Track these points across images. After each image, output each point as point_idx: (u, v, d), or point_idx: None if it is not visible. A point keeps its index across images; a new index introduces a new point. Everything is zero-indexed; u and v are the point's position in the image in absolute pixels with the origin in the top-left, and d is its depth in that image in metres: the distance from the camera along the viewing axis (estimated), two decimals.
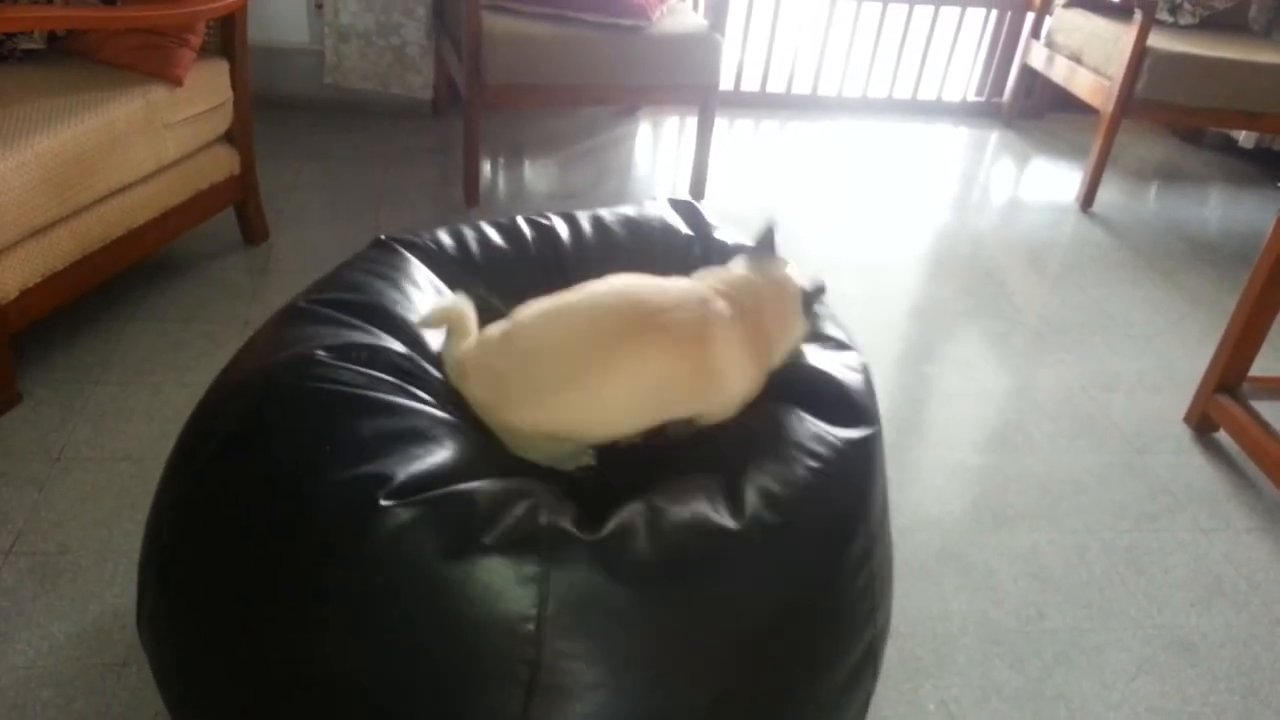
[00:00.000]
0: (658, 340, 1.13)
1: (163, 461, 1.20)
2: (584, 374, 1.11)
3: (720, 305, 1.19)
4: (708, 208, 1.63)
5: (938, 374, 2.30)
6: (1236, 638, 1.66)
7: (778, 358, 1.27)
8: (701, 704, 0.99)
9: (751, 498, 1.07)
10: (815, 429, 1.18)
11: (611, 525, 1.00)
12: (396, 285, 1.31)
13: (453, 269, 1.42)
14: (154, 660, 1.15)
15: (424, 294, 1.34)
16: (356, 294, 1.27)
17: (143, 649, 1.19)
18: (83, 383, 1.92)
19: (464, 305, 1.22)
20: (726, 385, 1.19)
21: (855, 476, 1.16)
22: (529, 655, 0.91)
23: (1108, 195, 3.41)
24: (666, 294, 1.17)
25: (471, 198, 2.82)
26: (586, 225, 1.56)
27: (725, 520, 1.03)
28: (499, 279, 1.44)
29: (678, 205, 1.64)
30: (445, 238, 1.46)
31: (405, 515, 0.95)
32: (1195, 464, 2.09)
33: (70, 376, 1.93)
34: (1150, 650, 1.62)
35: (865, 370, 1.34)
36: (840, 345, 1.37)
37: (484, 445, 1.12)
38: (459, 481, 1.00)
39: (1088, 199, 3.31)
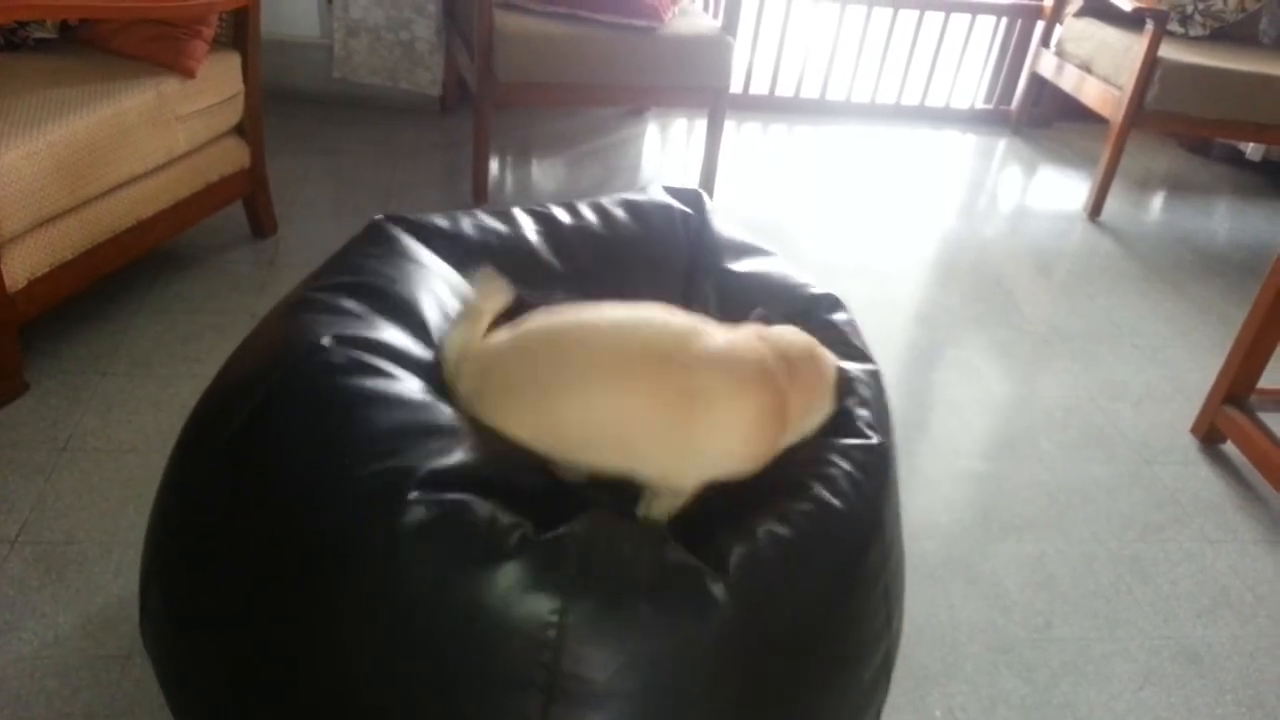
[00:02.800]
0: (660, 374, 1.03)
1: (169, 453, 1.19)
2: (565, 390, 1.04)
3: (755, 360, 1.09)
4: (710, 200, 1.63)
5: (945, 381, 2.30)
6: (1243, 649, 1.66)
7: (790, 438, 1.14)
8: (722, 715, 0.99)
9: (767, 509, 1.06)
10: (829, 438, 1.17)
11: (630, 545, 0.99)
12: (400, 268, 1.29)
13: (452, 250, 1.40)
14: (158, 663, 1.14)
15: (428, 274, 1.31)
16: (361, 277, 1.24)
17: (146, 652, 1.18)
18: (90, 373, 1.91)
19: (498, 298, 1.20)
20: (720, 448, 1.07)
21: (869, 486, 1.15)
22: (548, 660, 0.90)
23: (1115, 205, 3.41)
24: (696, 332, 1.08)
25: (480, 194, 2.82)
26: (587, 212, 1.54)
27: (742, 530, 1.03)
28: (497, 261, 1.42)
29: (679, 194, 1.63)
30: (442, 221, 1.44)
31: (431, 512, 0.94)
32: (1202, 475, 2.09)
33: (77, 367, 1.93)
34: (1157, 661, 1.61)
35: (878, 380, 1.33)
36: (857, 355, 1.36)
37: (498, 442, 1.11)
38: (480, 480, 0.99)
39: (1096, 208, 3.30)
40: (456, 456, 1.01)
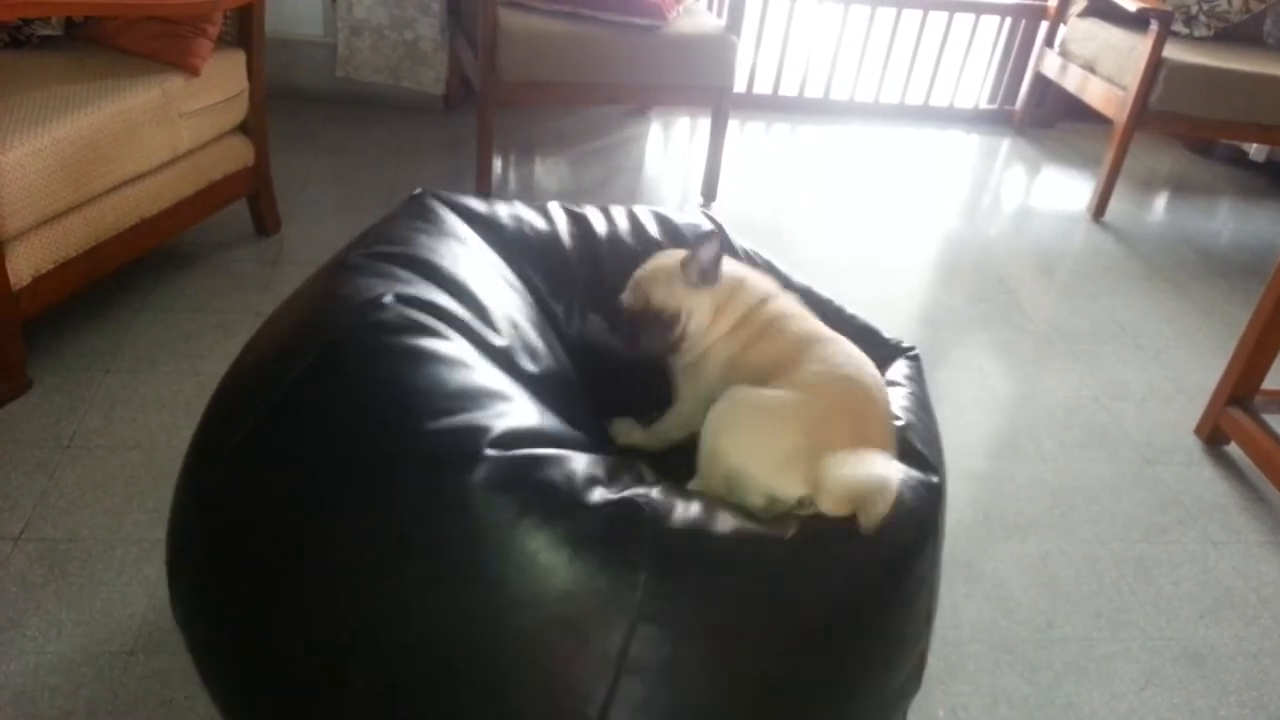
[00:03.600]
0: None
1: (174, 450, 1.19)
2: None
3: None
4: (729, 227, 1.62)
5: (948, 380, 2.30)
6: (1246, 650, 1.66)
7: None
8: (773, 690, 1.01)
9: None
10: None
11: (700, 510, 1.01)
12: (443, 241, 1.29)
13: (489, 234, 1.40)
14: (195, 627, 1.11)
15: (469, 250, 1.31)
16: (405, 248, 1.24)
17: (177, 623, 1.15)
18: (93, 371, 1.92)
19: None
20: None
21: (932, 484, 1.20)
22: (628, 617, 0.92)
23: (1119, 205, 3.40)
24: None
25: (483, 192, 2.82)
26: (621, 220, 1.54)
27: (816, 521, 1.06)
28: (530, 254, 1.42)
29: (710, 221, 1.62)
30: (480, 205, 1.44)
31: (512, 468, 0.95)
32: (1206, 476, 2.09)
33: (81, 364, 1.93)
34: (1159, 662, 1.61)
35: (934, 428, 1.37)
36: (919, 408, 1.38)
37: (555, 409, 1.12)
38: (550, 444, 1.01)
39: (1099, 208, 3.30)
40: (526, 418, 1.02)
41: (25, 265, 1.76)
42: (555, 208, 1.52)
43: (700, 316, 1.26)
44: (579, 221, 1.51)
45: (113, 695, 1.31)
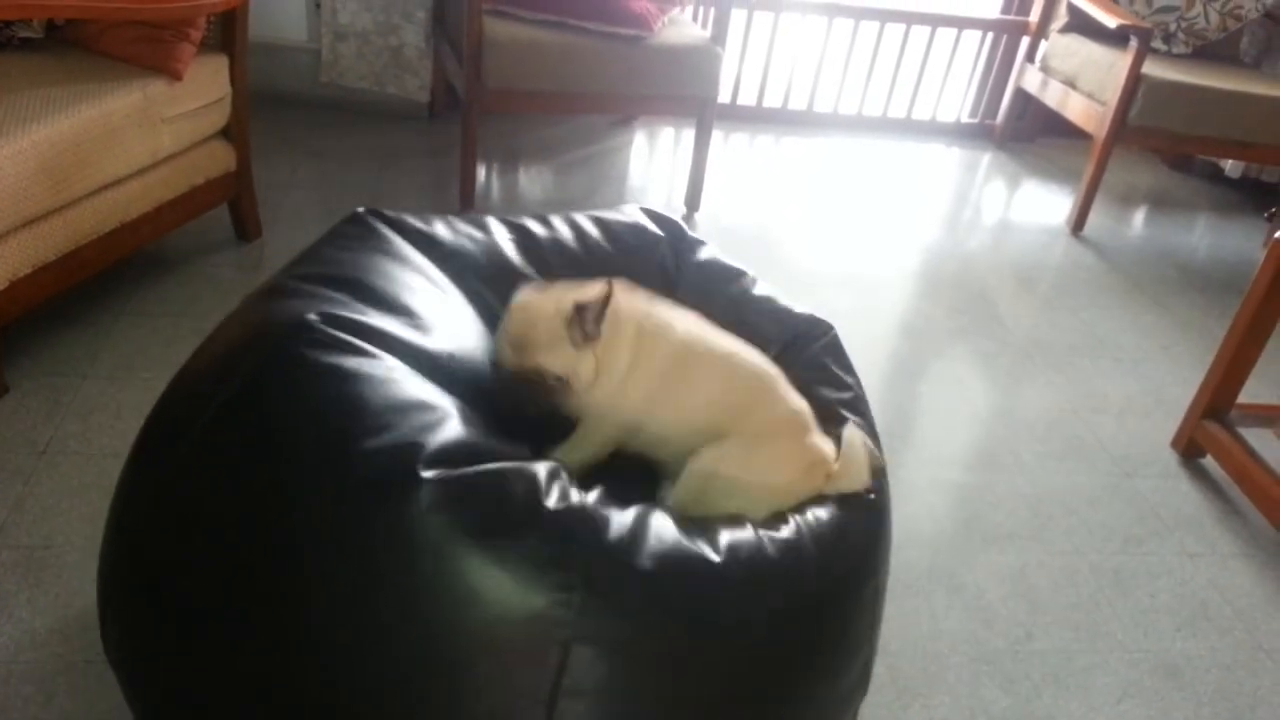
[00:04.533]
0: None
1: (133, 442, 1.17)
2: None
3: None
4: (687, 224, 1.63)
5: (929, 392, 2.31)
6: (1221, 662, 1.67)
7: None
8: (713, 700, 1.01)
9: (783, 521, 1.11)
10: None
11: (638, 517, 1.01)
12: (379, 261, 1.28)
13: (429, 250, 1.39)
14: (126, 670, 1.10)
15: (406, 266, 1.30)
16: (339, 270, 1.24)
17: (108, 659, 1.15)
18: (71, 376, 1.90)
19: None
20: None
21: (872, 516, 1.21)
22: (561, 638, 0.91)
23: (1098, 220, 3.44)
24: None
25: (467, 201, 2.81)
26: (561, 226, 1.54)
27: (764, 535, 1.07)
28: (473, 264, 1.41)
29: (656, 217, 1.62)
30: (419, 222, 1.43)
31: (446, 489, 0.94)
32: (1182, 489, 2.11)
33: (58, 369, 1.91)
34: (1136, 674, 1.63)
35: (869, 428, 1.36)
36: (840, 384, 1.37)
37: (486, 421, 1.11)
38: (483, 458, 0.99)
39: (1078, 222, 3.33)
40: (453, 432, 1.01)
41: (2, 269, 1.74)
42: (493, 220, 1.51)
43: (587, 372, 1.19)
44: (519, 230, 1.50)
45: (88, 705, 1.29)
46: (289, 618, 0.95)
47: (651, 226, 1.59)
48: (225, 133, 2.29)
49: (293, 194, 2.74)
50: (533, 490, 0.98)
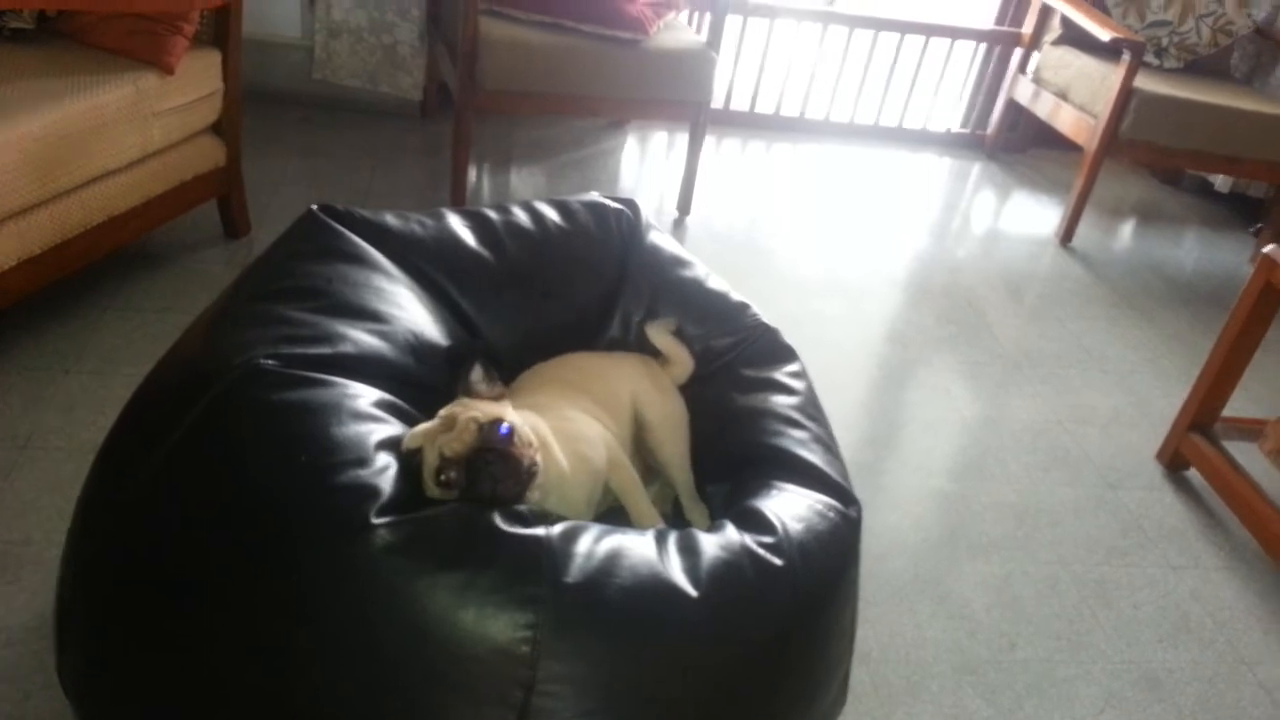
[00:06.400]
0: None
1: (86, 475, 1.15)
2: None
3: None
4: (678, 228, 1.64)
5: (916, 400, 2.32)
6: (1202, 675, 1.68)
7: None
8: None
9: (767, 527, 1.09)
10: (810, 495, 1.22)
11: (609, 547, 0.98)
12: (331, 263, 1.27)
13: (385, 245, 1.38)
14: (81, 701, 1.08)
15: (361, 267, 1.29)
16: (291, 280, 1.22)
17: (63, 690, 1.14)
18: (54, 371, 1.88)
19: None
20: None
21: (842, 542, 1.19)
22: (524, 678, 0.89)
23: (1087, 231, 3.45)
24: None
25: (459, 200, 2.81)
26: (519, 211, 1.54)
27: (745, 547, 1.05)
28: (430, 255, 1.41)
29: (614, 201, 1.64)
30: (372, 216, 1.42)
31: (399, 534, 0.92)
32: (1166, 501, 2.12)
33: (41, 364, 1.89)
34: (1118, 685, 1.63)
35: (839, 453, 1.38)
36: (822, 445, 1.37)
37: None
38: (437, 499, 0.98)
39: (1068, 234, 3.35)
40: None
41: None
42: (447, 211, 1.51)
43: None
44: (474, 218, 1.50)
45: (62, 706, 1.27)
46: (248, 659, 0.94)
47: (611, 206, 1.61)
48: (216, 128, 2.28)
49: (283, 191, 2.73)
50: (491, 523, 0.95)
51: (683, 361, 1.51)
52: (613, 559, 0.96)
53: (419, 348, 1.22)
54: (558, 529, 0.98)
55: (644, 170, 3.40)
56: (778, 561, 1.05)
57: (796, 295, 2.67)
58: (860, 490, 1.29)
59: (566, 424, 1.27)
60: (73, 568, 1.11)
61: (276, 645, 0.93)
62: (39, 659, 1.33)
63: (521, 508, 1.01)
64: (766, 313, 1.56)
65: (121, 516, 1.05)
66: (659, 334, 1.52)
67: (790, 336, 1.54)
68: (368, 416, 1.05)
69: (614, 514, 1.30)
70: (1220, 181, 3.96)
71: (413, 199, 2.82)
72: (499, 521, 0.96)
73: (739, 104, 3.87)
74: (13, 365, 1.87)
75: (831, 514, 1.17)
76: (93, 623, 1.06)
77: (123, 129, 1.94)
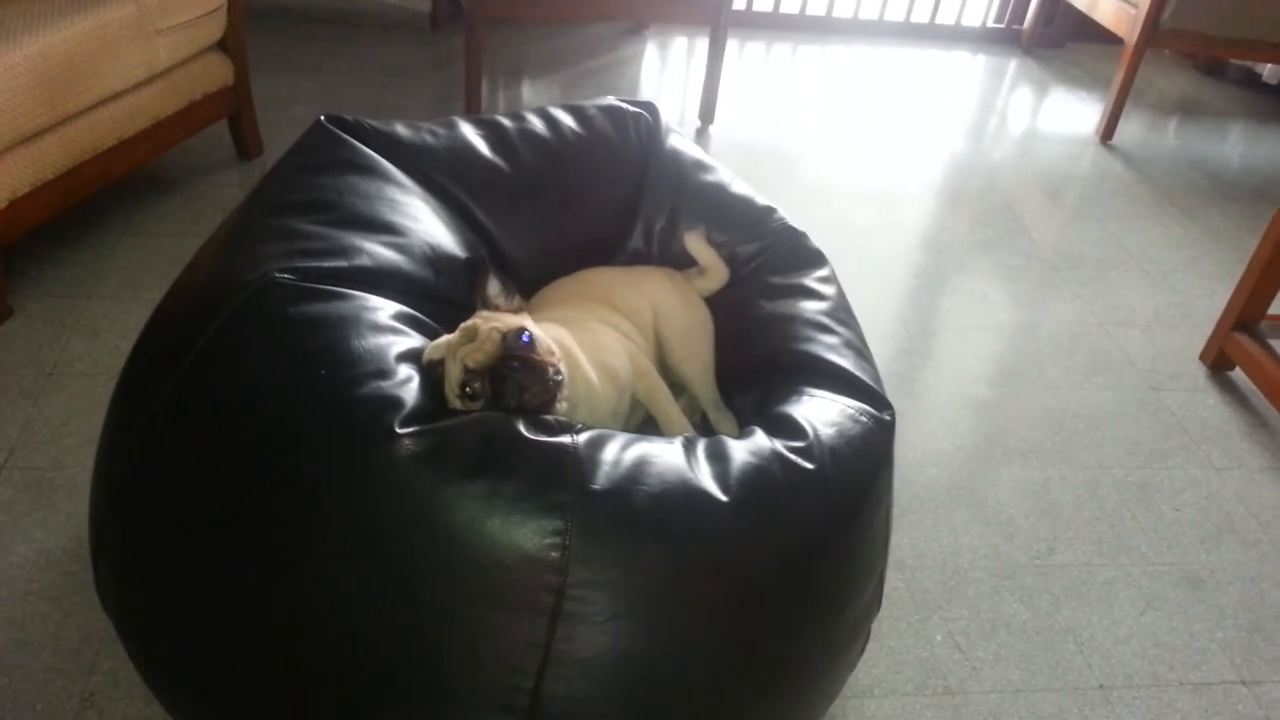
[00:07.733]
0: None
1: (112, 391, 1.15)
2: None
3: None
4: (701, 136, 1.59)
5: (952, 307, 2.26)
6: (1244, 575, 1.65)
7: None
8: (721, 637, 0.97)
9: (798, 432, 1.05)
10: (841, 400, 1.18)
11: (636, 454, 0.96)
12: (344, 175, 1.23)
13: (396, 154, 1.34)
14: (118, 609, 1.09)
15: (374, 178, 1.26)
16: (305, 193, 1.18)
17: (101, 603, 1.15)
18: (75, 297, 1.87)
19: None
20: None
21: (877, 446, 1.15)
22: (554, 584, 0.87)
23: (1128, 128, 3.32)
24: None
25: (473, 115, 2.73)
26: (533, 118, 1.49)
27: (775, 452, 1.02)
28: (443, 165, 1.37)
29: (633, 104, 1.58)
30: (382, 126, 1.38)
31: (423, 443, 0.90)
32: (1210, 402, 2.06)
33: (63, 290, 1.88)
34: (1159, 586, 1.61)
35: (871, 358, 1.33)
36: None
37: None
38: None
39: (1108, 131, 3.22)
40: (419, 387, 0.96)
41: (2, 188, 1.70)
42: (460, 120, 1.46)
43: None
44: (487, 126, 1.45)
45: (103, 623, 1.29)
46: (279, 569, 0.93)
47: (629, 109, 1.55)
48: (222, 45, 2.21)
49: (293, 110, 2.67)
50: (516, 431, 0.93)
51: (718, 272, 1.47)
52: (640, 466, 0.94)
53: (436, 260, 1.19)
54: (584, 437, 0.95)
55: (664, 78, 3.29)
56: (808, 465, 1.02)
57: (826, 204, 2.59)
58: (895, 400, 1.25)
59: (590, 335, 1.23)
60: (103, 489, 1.10)
61: (301, 557, 0.92)
62: (78, 579, 1.34)
63: (547, 417, 0.98)
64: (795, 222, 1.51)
65: (146, 436, 1.04)
66: (696, 243, 1.48)
67: (821, 246, 1.49)
68: (387, 329, 1.02)
69: (645, 427, 1.28)
70: (1269, 71, 3.78)
71: (426, 114, 2.74)
72: (524, 430, 0.94)
73: (762, 4, 3.72)
74: (34, 294, 1.86)
75: (864, 418, 1.13)
76: (125, 541, 1.06)
77: (127, 48, 1.89)
